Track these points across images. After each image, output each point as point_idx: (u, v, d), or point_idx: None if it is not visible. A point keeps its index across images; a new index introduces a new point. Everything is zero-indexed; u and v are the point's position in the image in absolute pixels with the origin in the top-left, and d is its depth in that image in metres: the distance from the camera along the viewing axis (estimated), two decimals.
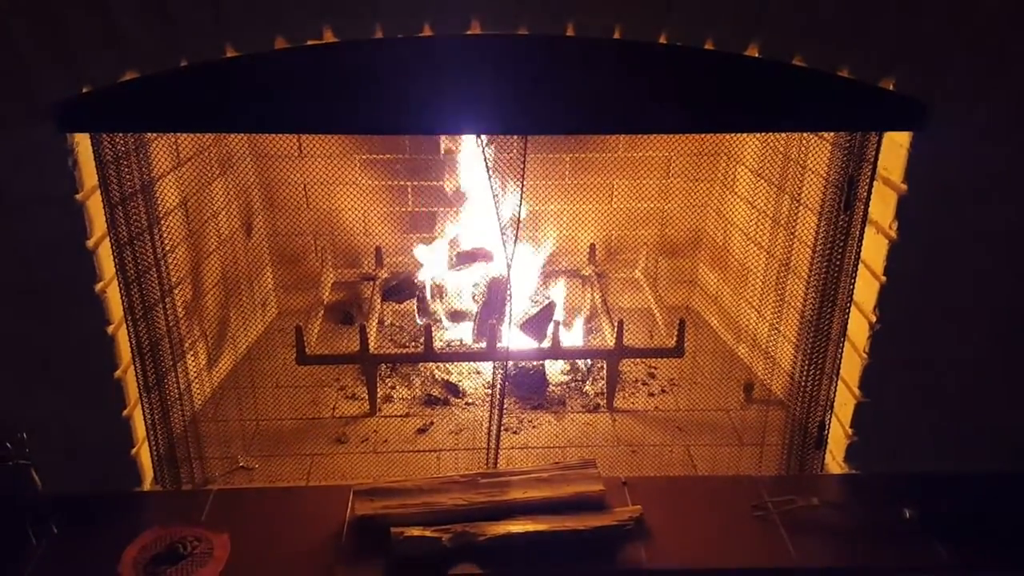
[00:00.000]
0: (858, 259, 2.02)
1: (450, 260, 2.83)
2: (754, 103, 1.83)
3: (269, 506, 2.06)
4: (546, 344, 2.53)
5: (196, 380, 2.33)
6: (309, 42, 1.71)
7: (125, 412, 2.02)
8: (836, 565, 1.92)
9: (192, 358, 2.31)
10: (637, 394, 2.61)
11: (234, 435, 2.35)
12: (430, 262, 2.84)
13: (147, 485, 2.12)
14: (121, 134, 1.85)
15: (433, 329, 2.48)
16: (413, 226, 2.94)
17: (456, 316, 2.77)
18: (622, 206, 2.94)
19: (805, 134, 2.17)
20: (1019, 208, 1.92)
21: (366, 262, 2.97)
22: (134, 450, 2.06)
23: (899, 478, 2.13)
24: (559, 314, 2.63)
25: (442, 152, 2.77)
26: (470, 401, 2.56)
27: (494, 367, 2.31)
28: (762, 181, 2.54)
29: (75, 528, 1.95)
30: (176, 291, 2.17)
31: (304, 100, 1.77)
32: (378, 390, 2.52)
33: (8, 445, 1.85)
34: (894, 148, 1.89)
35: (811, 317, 2.12)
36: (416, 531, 1.89)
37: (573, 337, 2.67)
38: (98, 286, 1.89)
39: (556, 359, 2.60)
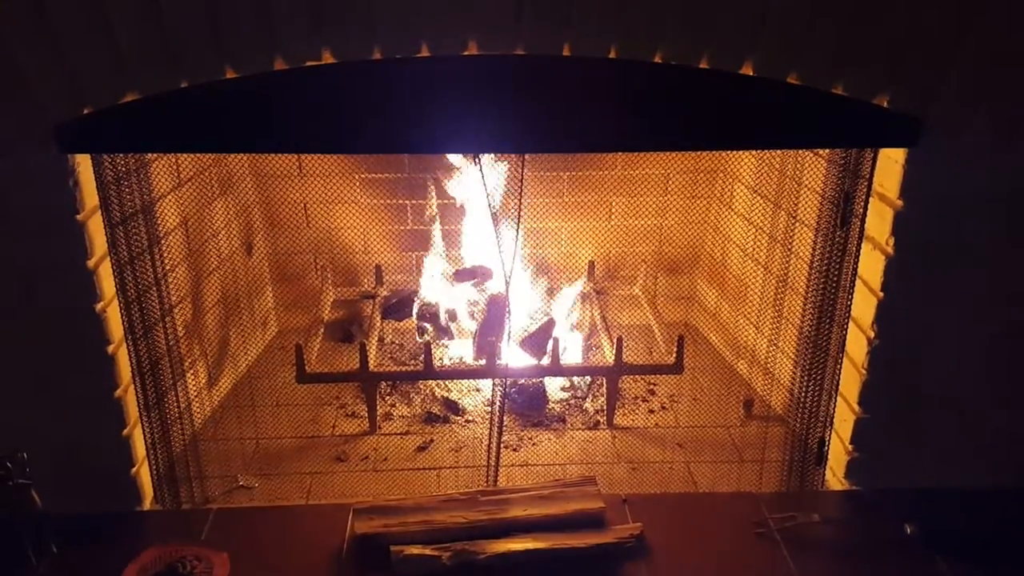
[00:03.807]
0: (855, 275, 2.03)
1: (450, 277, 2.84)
2: (750, 121, 1.84)
3: (269, 525, 2.06)
4: (545, 361, 2.53)
5: (196, 399, 2.33)
6: (308, 63, 1.72)
7: (125, 431, 2.02)
8: None
9: (192, 377, 2.31)
10: (637, 411, 2.61)
11: (234, 454, 2.35)
12: (430, 279, 2.85)
13: (147, 504, 2.12)
14: (122, 155, 1.87)
15: (433, 347, 2.48)
16: (412, 244, 2.95)
17: (456, 333, 2.78)
18: (620, 223, 2.95)
19: (801, 151, 2.19)
20: (1014, 222, 1.93)
21: (366, 280, 2.98)
22: (134, 469, 2.06)
23: (900, 494, 2.13)
24: (558, 331, 2.63)
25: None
26: (470, 418, 2.56)
27: (494, 384, 2.31)
28: (759, 198, 2.56)
29: (75, 547, 1.95)
30: (176, 310, 2.18)
31: (304, 120, 1.79)
32: (378, 408, 2.52)
33: (8, 464, 1.85)
34: (889, 164, 1.91)
35: (809, 333, 2.12)
36: (416, 549, 1.89)
37: (573, 354, 2.67)
38: (98, 306, 1.89)
39: (556, 376, 2.60)
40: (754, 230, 2.61)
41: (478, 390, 2.66)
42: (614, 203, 2.92)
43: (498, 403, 2.22)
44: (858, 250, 2.01)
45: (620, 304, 2.92)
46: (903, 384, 2.06)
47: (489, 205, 2.11)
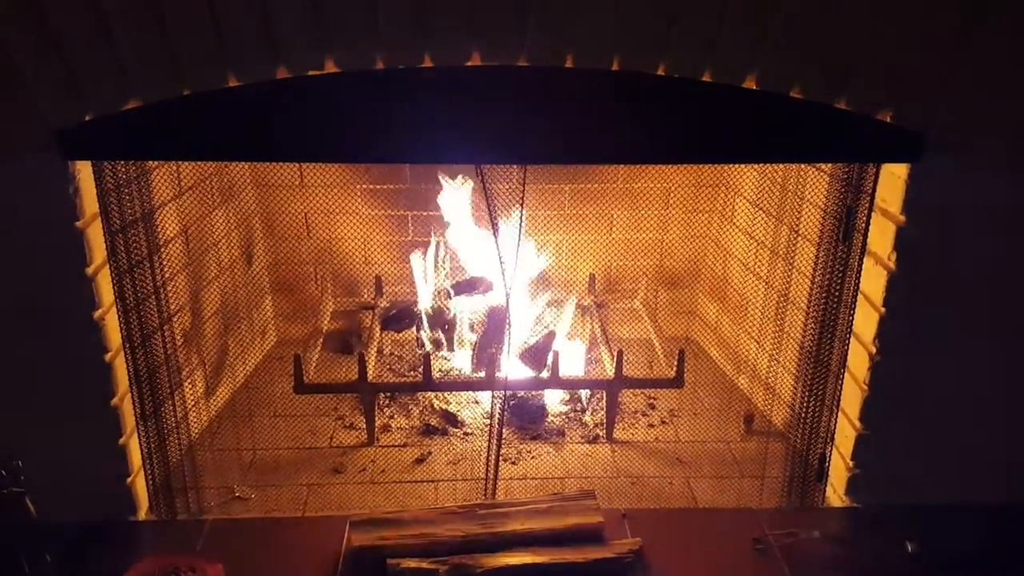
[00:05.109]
0: (857, 290, 2.02)
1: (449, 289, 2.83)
2: (752, 134, 1.84)
3: (265, 536, 2.04)
4: (545, 374, 2.52)
5: (193, 409, 2.32)
6: (311, 72, 1.72)
7: (121, 440, 2.01)
8: None
9: (190, 386, 2.30)
10: (637, 425, 2.60)
11: (230, 464, 2.34)
12: (429, 291, 2.84)
13: (142, 514, 2.11)
14: (123, 162, 1.87)
15: (432, 358, 2.47)
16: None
17: (456, 345, 2.77)
18: (621, 237, 2.94)
19: (803, 165, 2.19)
20: (1016, 238, 1.92)
21: (366, 291, 2.97)
22: (130, 479, 2.05)
23: (901, 511, 2.11)
24: (558, 344, 2.62)
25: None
26: (468, 431, 2.55)
27: (493, 397, 2.30)
28: (761, 212, 2.55)
29: (69, 557, 1.93)
30: (175, 319, 2.17)
31: (305, 129, 1.79)
32: (376, 420, 2.51)
33: (3, 473, 1.84)
34: (892, 179, 1.90)
35: (811, 348, 2.11)
36: (413, 563, 1.87)
37: (573, 367, 2.66)
38: (97, 313, 1.89)
39: (555, 389, 2.59)
40: (756, 244, 2.61)
41: (477, 402, 2.65)
42: (615, 216, 2.92)
43: (497, 416, 2.21)
44: (860, 265, 2.00)
45: (620, 317, 2.91)
46: (905, 400, 2.05)
47: (490, 216, 2.10)
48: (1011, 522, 2.10)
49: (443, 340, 2.77)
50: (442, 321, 2.77)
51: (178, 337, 2.20)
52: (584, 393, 2.65)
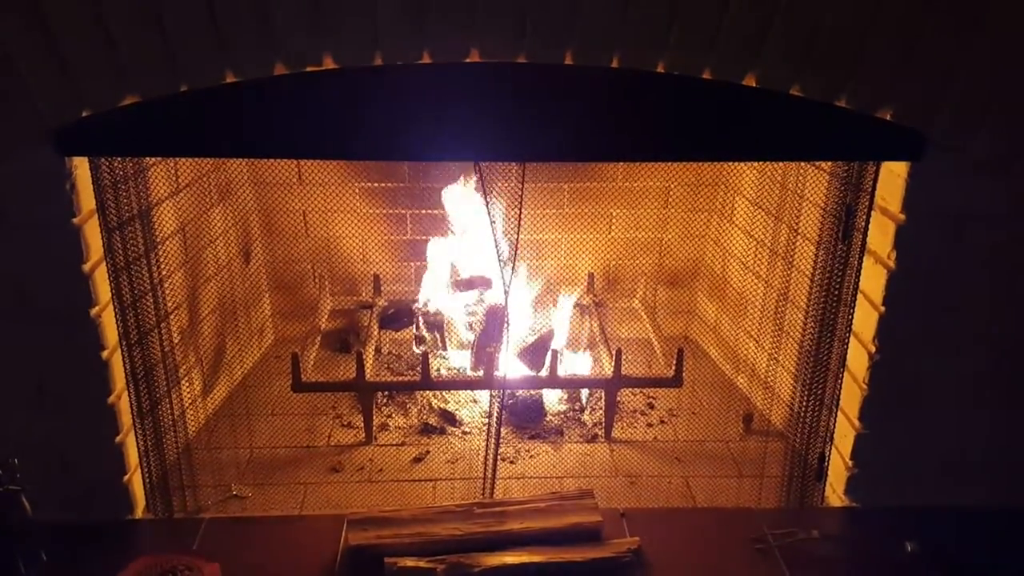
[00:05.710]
0: (857, 289, 2.02)
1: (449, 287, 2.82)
2: (752, 133, 1.84)
3: (262, 535, 2.03)
4: (544, 373, 2.51)
5: (190, 407, 2.31)
6: (309, 68, 1.72)
7: (118, 438, 2.00)
8: None
9: (187, 385, 2.29)
10: (636, 424, 2.59)
11: (228, 463, 2.33)
12: (428, 289, 2.83)
13: (139, 513, 2.10)
14: (120, 158, 1.86)
15: (430, 357, 2.46)
16: (412, 254, 2.93)
17: (454, 344, 2.76)
18: (621, 236, 2.94)
19: (803, 164, 2.18)
20: (1016, 238, 1.91)
21: (364, 290, 2.96)
22: (126, 477, 2.04)
23: (900, 511, 2.11)
24: (557, 343, 2.62)
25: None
26: (467, 430, 2.54)
27: (491, 396, 2.29)
28: (760, 211, 2.55)
29: (65, 556, 1.92)
30: (172, 317, 2.17)
31: (303, 126, 1.78)
32: (374, 419, 2.50)
33: None
34: (892, 178, 1.90)
35: (810, 348, 2.11)
36: (410, 562, 1.86)
37: (572, 366, 2.66)
38: (94, 311, 1.88)
39: (554, 388, 2.59)
40: (755, 243, 2.60)
41: (475, 401, 2.64)
42: (614, 215, 2.91)
43: (495, 414, 2.20)
44: (860, 264, 2.00)
45: (619, 317, 2.90)
46: (904, 400, 2.05)
47: (489, 215, 2.09)
48: (1010, 523, 2.10)
49: (436, 339, 2.77)
50: (436, 320, 2.77)
51: (175, 335, 2.20)
52: (583, 392, 2.65)
